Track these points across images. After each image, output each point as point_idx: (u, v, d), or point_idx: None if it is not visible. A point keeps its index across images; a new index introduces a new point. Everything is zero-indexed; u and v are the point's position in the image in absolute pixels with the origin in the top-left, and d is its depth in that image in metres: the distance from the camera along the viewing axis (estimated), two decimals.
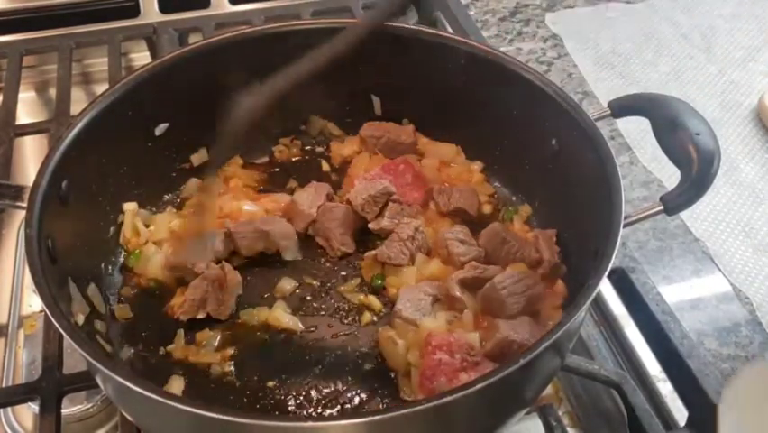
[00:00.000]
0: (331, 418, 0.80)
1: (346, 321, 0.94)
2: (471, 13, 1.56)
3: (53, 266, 0.79)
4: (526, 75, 0.96)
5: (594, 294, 0.71)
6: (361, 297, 0.95)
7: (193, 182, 1.08)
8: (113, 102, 0.94)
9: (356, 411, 0.84)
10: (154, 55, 1.43)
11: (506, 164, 1.07)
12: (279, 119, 1.13)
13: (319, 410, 0.84)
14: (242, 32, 1.07)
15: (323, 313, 0.94)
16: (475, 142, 1.09)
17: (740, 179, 1.24)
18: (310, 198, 1.03)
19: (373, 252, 0.97)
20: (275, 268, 0.99)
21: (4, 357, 0.97)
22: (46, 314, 0.73)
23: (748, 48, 1.52)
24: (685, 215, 1.15)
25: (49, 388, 0.86)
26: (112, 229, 0.99)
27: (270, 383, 0.87)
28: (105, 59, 1.35)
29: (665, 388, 0.93)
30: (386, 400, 0.85)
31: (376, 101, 1.13)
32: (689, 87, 1.43)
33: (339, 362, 0.89)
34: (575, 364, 0.87)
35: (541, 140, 0.97)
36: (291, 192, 1.08)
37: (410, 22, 1.43)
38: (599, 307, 1.02)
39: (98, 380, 0.76)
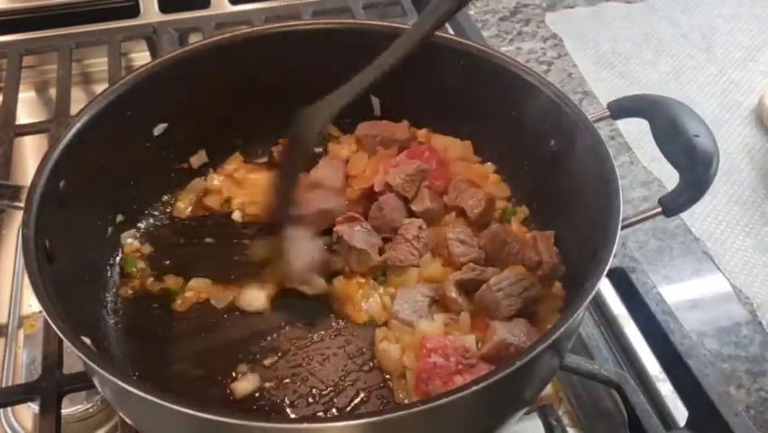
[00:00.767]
0: (328, 419, 0.80)
1: (343, 322, 0.94)
2: (471, 12, 1.56)
3: (51, 266, 0.79)
4: (525, 76, 0.96)
5: (592, 296, 0.71)
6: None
7: (196, 182, 1.07)
8: (111, 102, 0.93)
9: (353, 413, 0.84)
10: (154, 55, 1.43)
11: (504, 165, 1.07)
12: (279, 119, 1.14)
13: (316, 412, 0.84)
14: (242, 32, 1.07)
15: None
16: (474, 142, 1.09)
17: (740, 179, 1.24)
18: (330, 173, 1.05)
19: (382, 257, 0.96)
20: None
21: (4, 357, 0.97)
22: None
23: (748, 48, 1.52)
24: (685, 215, 1.15)
25: (48, 388, 0.86)
26: (110, 229, 0.99)
27: (267, 384, 0.87)
28: (105, 59, 1.35)
29: (665, 388, 0.93)
30: (385, 402, 0.85)
31: (375, 102, 1.13)
32: (689, 86, 1.43)
33: (337, 362, 0.89)
34: (575, 364, 0.87)
35: (540, 141, 0.97)
36: None
37: (410, 22, 1.43)
38: (599, 307, 1.02)
39: (95, 381, 0.76)
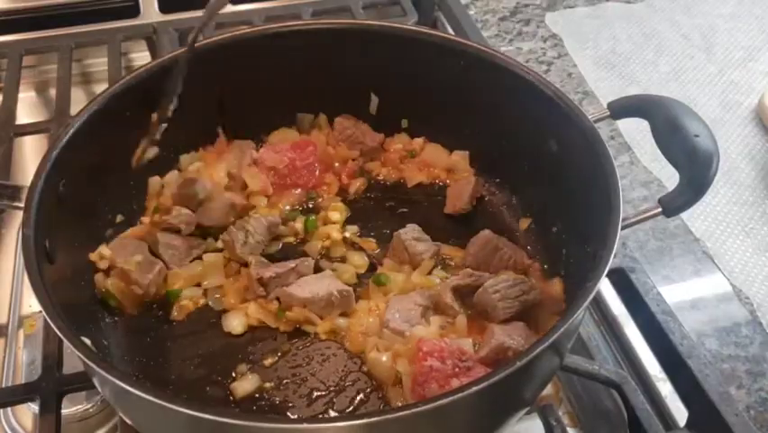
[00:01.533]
0: (328, 419, 0.80)
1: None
2: (471, 12, 1.56)
3: (50, 266, 0.79)
4: (526, 76, 0.96)
5: (591, 296, 0.71)
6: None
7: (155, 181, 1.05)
8: (111, 102, 0.93)
9: (354, 413, 0.84)
10: (154, 55, 1.43)
11: (504, 165, 1.07)
12: (279, 120, 1.14)
13: (316, 412, 0.84)
14: (241, 32, 1.07)
15: None
16: (473, 142, 1.09)
17: (740, 179, 1.24)
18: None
19: None
20: None
21: (4, 357, 0.97)
22: None
23: (748, 48, 1.52)
24: (685, 215, 1.15)
25: (48, 388, 0.86)
26: (110, 230, 0.99)
27: (267, 384, 0.87)
28: (105, 59, 1.35)
29: (665, 388, 0.93)
30: (385, 403, 0.85)
31: (374, 100, 1.13)
32: (689, 86, 1.43)
33: (337, 363, 0.89)
34: (575, 364, 0.87)
35: (540, 141, 0.97)
36: None
37: (410, 22, 1.43)
38: (599, 307, 1.02)
39: (95, 381, 0.76)
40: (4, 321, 1.01)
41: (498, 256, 0.95)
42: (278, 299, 0.93)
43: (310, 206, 1.08)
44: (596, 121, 0.89)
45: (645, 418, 0.85)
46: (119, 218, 1.00)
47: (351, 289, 0.93)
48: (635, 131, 1.31)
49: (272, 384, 0.87)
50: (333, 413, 0.84)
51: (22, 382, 0.92)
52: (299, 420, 0.78)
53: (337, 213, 1.05)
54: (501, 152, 1.07)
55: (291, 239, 1.03)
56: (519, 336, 0.84)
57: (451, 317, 0.90)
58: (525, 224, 1.03)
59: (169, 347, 0.91)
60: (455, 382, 0.79)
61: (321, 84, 1.10)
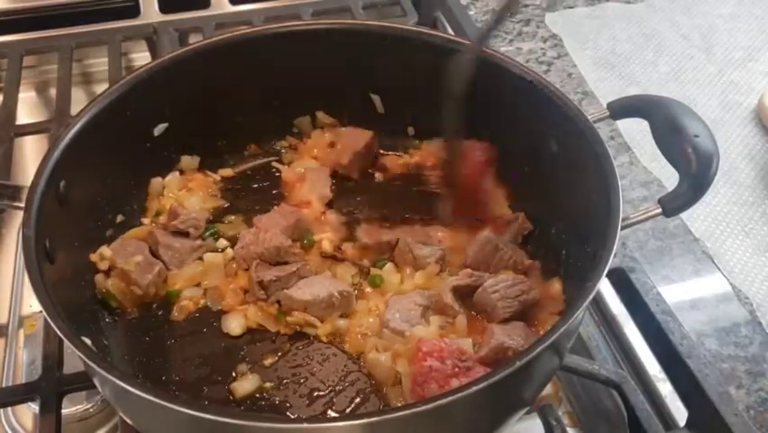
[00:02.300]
0: (328, 419, 0.80)
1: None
2: (471, 13, 1.56)
3: (51, 266, 0.79)
4: (525, 76, 0.96)
5: (592, 296, 0.71)
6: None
7: (156, 181, 1.05)
8: (111, 102, 0.94)
9: (354, 413, 0.84)
10: (154, 55, 1.43)
11: (504, 165, 1.07)
12: (279, 119, 1.14)
13: (316, 412, 0.84)
14: (241, 32, 1.07)
15: None
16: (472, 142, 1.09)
17: (740, 179, 1.24)
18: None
19: None
20: None
21: (5, 357, 0.97)
22: None
23: (748, 48, 1.52)
24: (685, 215, 1.15)
25: (49, 388, 0.86)
26: (110, 230, 0.99)
27: (267, 384, 0.87)
28: (106, 60, 1.35)
29: (665, 388, 0.93)
30: (384, 403, 0.85)
31: (376, 99, 1.13)
32: (689, 87, 1.43)
33: (337, 362, 0.89)
34: (575, 364, 0.87)
35: (540, 141, 0.97)
36: None
37: (410, 22, 1.43)
38: (599, 307, 1.02)
39: (95, 381, 0.76)
40: (4, 321, 1.01)
41: (497, 256, 0.95)
42: (278, 302, 0.93)
43: None
44: (596, 121, 0.89)
45: (645, 418, 0.85)
46: (119, 219, 1.00)
47: (351, 289, 0.93)
48: (636, 131, 1.31)
49: (272, 384, 0.87)
50: (332, 413, 0.84)
51: (23, 381, 0.92)
52: (299, 420, 0.78)
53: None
54: (501, 153, 1.06)
55: None
56: (519, 335, 0.84)
57: (450, 317, 0.90)
58: None
59: (169, 347, 0.91)
60: (455, 383, 0.79)
61: (322, 85, 1.10)
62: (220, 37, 1.05)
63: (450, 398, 0.63)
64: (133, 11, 1.46)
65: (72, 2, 1.46)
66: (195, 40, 1.35)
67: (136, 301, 0.94)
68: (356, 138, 1.12)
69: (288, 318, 0.91)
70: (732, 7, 1.63)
